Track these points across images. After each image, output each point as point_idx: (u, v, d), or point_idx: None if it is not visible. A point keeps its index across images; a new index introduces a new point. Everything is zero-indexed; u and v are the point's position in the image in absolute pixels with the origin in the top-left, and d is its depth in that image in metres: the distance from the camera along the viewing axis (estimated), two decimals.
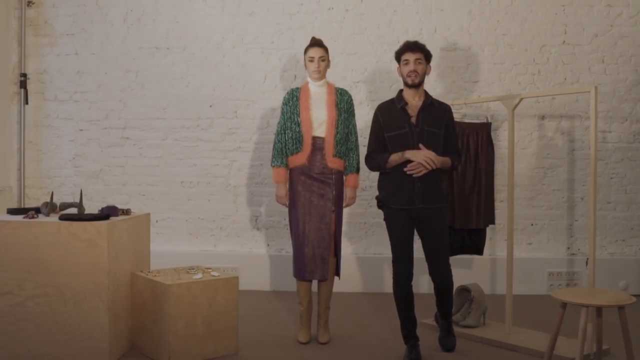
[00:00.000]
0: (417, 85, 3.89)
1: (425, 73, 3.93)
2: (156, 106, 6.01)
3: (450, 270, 3.97)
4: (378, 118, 3.98)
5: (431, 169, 3.74)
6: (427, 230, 3.90)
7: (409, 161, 3.78)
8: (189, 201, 6.02)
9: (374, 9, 5.91)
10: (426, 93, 3.97)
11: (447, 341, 4.13)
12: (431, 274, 3.97)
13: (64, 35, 6.06)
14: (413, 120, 3.86)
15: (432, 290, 4.23)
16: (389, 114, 3.94)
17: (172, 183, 6.03)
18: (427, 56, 3.94)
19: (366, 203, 5.91)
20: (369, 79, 5.91)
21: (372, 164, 4.00)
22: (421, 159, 3.73)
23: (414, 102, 3.91)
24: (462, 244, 4.72)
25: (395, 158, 3.83)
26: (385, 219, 4.00)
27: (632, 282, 5.78)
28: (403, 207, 3.85)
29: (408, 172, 3.77)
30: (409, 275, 3.88)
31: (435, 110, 3.91)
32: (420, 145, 3.78)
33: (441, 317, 4.20)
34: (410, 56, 3.88)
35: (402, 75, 3.95)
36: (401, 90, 3.99)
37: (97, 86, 6.04)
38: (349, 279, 5.75)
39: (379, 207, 4.02)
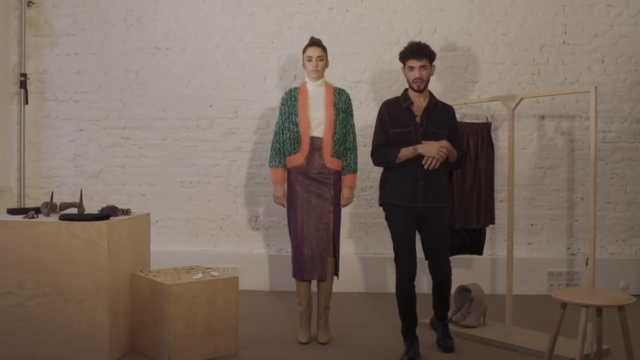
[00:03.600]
0: (421, 91, 3.97)
1: (429, 77, 3.99)
2: (156, 106, 6.01)
3: (449, 268, 4.01)
4: (383, 114, 4.03)
5: (444, 160, 3.82)
6: (428, 229, 3.95)
7: (419, 156, 3.83)
8: (189, 201, 6.02)
9: (374, 9, 5.90)
10: (430, 94, 4.03)
11: (446, 343, 4.12)
12: (431, 271, 4.02)
13: (64, 35, 6.06)
14: (418, 119, 3.92)
15: (431, 290, 4.24)
16: (395, 111, 4.00)
17: (172, 183, 6.03)
18: (432, 59, 3.98)
19: (366, 203, 5.92)
20: (369, 79, 5.91)
21: (379, 159, 4.03)
22: (434, 152, 3.78)
23: (418, 102, 3.98)
24: (462, 244, 4.72)
25: (405, 153, 3.86)
26: (386, 218, 4.03)
27: (632, 282, 5.78)
28: (406, 204, 3.90)
29: (425, 167, 3.81)
30: (412, 276, 3.91)
31: (439, 111, 3.99)
32: (424, 142, 3.82)
33: (438, 319, 4.22)
34: (415, 63, 3.92)
35: (407, 78, 4.00)
36: (406, 90, 4.06)
37: (97, 86, 6.04)
38: (350, 279, 5.75)
39: (381, 204, 4.07)
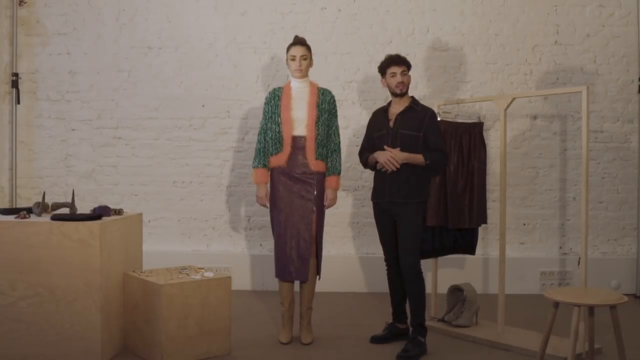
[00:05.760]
0: (403, 95, 4.18)
1: (409, 83, 4.23)
2: (148, 106, 5.99)
3: (411, 265, 4.04)
4: (370, 120, 4.41)
5: (397, 167, 4.02)
6: (398, 223, 4.14)
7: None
8: (181, 201, 6.01)
9: (367, 9, 5.91)
10: (412, 99, 4.24)
11: (405, 349, 4.02)
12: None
13: (56, 34, 6.04)
14: (391, 124, 4.17)
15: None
16: (378, 117, 4.35)
17: (165, 183, 6.01)
18: (409, 67, 4.24)
19: (359, 203, 5.92)
20: (362, 79, 5.91)
21: (361, 162, 4.41)
22: (383, 159, 4.05)
23: (397, 107, 4.22)
24: (455, 244, 4.72)
25: (371, 158, 4.23)
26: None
27: (623, 281, 5.81)
28: (377, 200, 4.24)
29: (380, 169, 4.15)
30: (392, 263, 4.30)
31: (415, 114, 4.16)
32: (385, 147, 4.10)
33: (408, 323, 4.33)
34: (396, 69, 4.17)
35: (388, 86, 4.23)
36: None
37: (89, 86, 6.02)
38: (340, 279, 5.76)
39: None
